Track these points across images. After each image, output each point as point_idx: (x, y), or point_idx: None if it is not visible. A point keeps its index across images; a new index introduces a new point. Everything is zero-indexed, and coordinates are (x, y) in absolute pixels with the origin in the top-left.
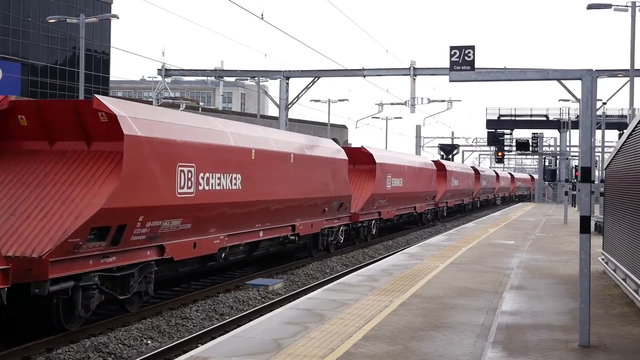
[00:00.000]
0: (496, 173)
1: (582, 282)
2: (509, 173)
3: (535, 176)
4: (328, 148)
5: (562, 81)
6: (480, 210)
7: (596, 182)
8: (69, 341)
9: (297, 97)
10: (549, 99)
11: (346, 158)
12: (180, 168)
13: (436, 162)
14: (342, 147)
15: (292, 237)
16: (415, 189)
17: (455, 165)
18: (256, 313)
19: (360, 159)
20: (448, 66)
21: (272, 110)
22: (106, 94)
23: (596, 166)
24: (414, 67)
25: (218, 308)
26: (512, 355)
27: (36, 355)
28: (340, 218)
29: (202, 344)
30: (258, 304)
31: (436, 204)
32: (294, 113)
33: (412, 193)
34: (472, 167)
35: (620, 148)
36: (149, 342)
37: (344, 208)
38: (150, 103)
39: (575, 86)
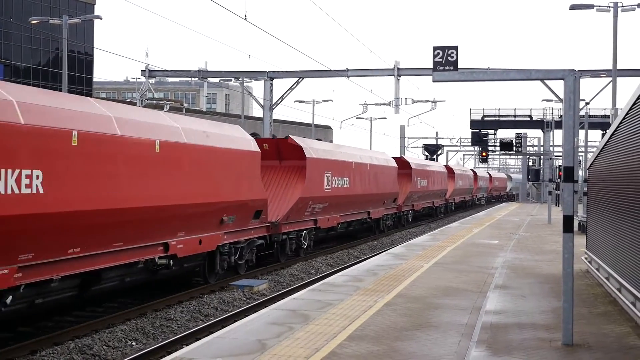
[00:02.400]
0: (449, 169)
1: (565, 282)
2: (472, 170)
3: (497, 174)
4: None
5: (545, 81)
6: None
7: (579, 181)
8: (52, 343)
9: (282, 98)
10: (532, 99)
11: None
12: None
13: (280, 142)
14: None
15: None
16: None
17: (354, 154)
18: (241, 314)
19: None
20: (432, 67)
21: (257, 111)
22: (89, 95)
23: (579, 166)
24: (397, 68)
25: (203, 309)
26: (496, 355)
27: (20, 357)
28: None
29: (187, 345)
30: (243, 305)
31: (270, 225)
32: (279, 114)
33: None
34: (398, 158)
35: (603, 148)
36: (134, 343)
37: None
38: (134, 104)
39: (559, 86)
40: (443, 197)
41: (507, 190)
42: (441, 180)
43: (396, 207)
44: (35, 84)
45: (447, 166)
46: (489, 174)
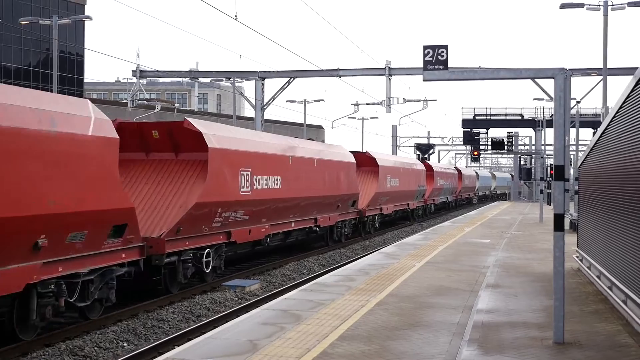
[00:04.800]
0: (365, 160)
1: (556, 280)
2: (424, 162)
3: (466, 171)
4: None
5: (536, 80)
6: None
7: (570, 180)
8: (43, 345)
9: (273, 98)
10: (524, 98)
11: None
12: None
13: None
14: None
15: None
16: None
17: None
18: (233, 314)
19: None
20: (422, 66)
21: (248, 111)
22: (80, 95)
23: (571, 164)
24: (389, 67)
25: (195, 309)
26: (487, 354)
27: (11, 359)
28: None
29: (179, 346)
30: (235, 305)
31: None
32: (270, 114)
33: None
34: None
35: (594, 146)
36: (125, 344)
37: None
38: (125, 105)
39: (549, 85)
40: (350, 208)
41: (475, 190)
42: (337, 177)
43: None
44: (25, 85)
45: (359, 154)
46: (458, 170)
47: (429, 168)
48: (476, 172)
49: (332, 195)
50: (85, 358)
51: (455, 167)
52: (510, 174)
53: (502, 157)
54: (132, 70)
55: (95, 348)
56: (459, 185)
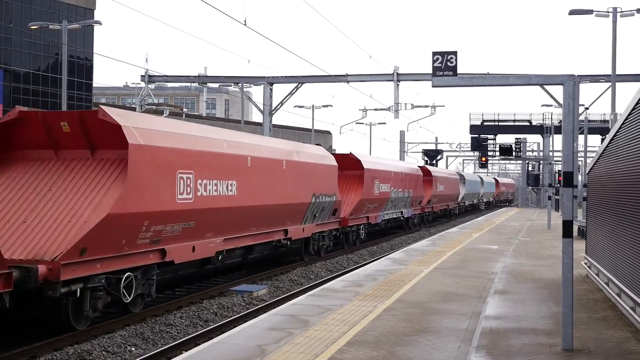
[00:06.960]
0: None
1: (565, 286)
2: (351, 156)
3: (444, 172)
4: None
5: (545, 86)
6: None
7: (579, 186)
8: (52, 349)
9: (281, 103)
10: (532, 104)
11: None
12: None
13: None
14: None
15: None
16: None
17: None
18: (240, 319)
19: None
20: (431, 72)
21: (256, 116)
22: (89, 100)
23: (579, 171)
24: (397, 73)
25: (202, 314)
26: None
27: None
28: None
29: (186, 351)
30: (242, 310)
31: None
32: (278, 119)
33: None
34: None
35: (603, 153)
36: (133, 349)
37: None
38: (134, 109)
39: (558, 91)
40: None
41: (460, 199)
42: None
43: None
44: (34, 89)
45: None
46: (426, 171)
47: (353, 165)
48: (461, 175)
49: None
50: None
51: (421, 167)
52: (495, 178)
53: (509, 164)
54: (141, 75)
55: (103, 352)
56: (427, 193)
